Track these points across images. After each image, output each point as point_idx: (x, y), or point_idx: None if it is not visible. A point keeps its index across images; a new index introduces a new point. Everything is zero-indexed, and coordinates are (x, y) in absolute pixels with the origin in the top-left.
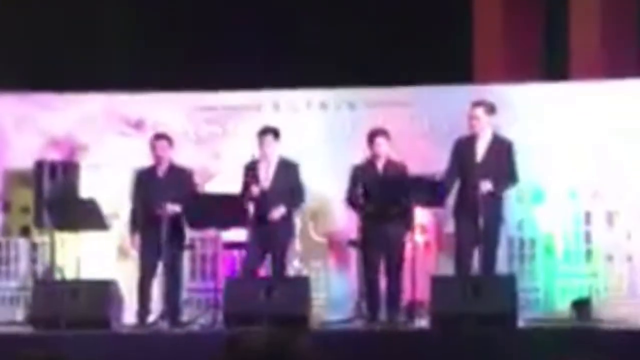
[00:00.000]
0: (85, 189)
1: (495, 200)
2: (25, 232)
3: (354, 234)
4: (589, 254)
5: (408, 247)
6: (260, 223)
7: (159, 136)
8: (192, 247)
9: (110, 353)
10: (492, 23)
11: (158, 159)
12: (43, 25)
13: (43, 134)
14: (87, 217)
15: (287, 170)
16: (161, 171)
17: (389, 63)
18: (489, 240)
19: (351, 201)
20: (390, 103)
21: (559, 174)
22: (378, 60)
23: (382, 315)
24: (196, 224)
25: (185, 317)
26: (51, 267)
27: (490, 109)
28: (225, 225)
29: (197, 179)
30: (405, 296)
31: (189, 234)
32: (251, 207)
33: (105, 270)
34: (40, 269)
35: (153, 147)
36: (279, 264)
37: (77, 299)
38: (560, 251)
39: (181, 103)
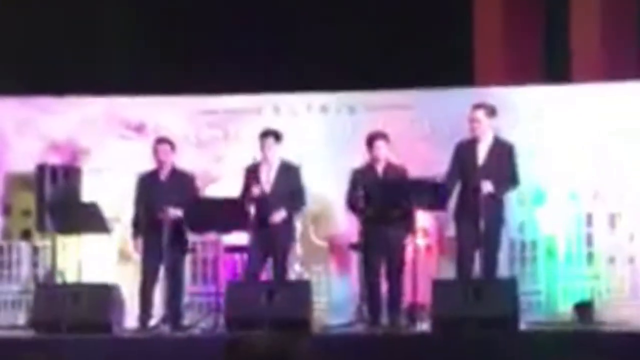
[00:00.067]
0: (87, 193)
1: (496, 202)
2: (26, 235)
3: (355, 238)
4: (590, 256)
5: (409, 250)
6: (261, 226)
7: (161, 140)
8: (193, 250)
9: (111, 357)
10: (492, 25)
11: (160, 163)
12: (43, 26)
13: (44, 137)
14: (89, 220)
15: (289, 173)
16: (164, 175)
17: (389, 66)
18: (490, 243)
19: (351, 205)
20: (391, 106)
21: (560, 176)
22: (378, 63)
23: (384, 319)
24: (197, 228)
25: (186, 321)
26: (52, 271)
27: (491, 111)
28: (226, 229)
29: (199, 182)
30: (407, 299)
31: (190, 237)
32: (252, 211)
33: (106, 274)
34: (41, 272)
35: (155, 151)
36: (280, 267)
37: (78, 302)
38: (561, 253)
39: (182, 106)
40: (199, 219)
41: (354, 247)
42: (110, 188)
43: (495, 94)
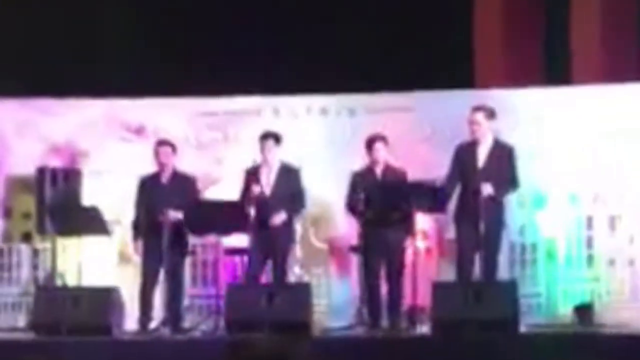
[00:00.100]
0: (87, 196)
1: (496, 205)
2: (26, 238)
3: (354, 240)
4: (590, 258)
5: (409, 252)
6: (261, 229)
7: (163, 142)
8: (193, 253)
9: None
10: (492, 27)
11: (161, 166)
12: (43, 26)
13: (44, 140)
14: (89, 223)
15: (289, 175)
16: (165, 178)
17: (389, 67)
18: (490, 245)
19: (351, 207)
20: (391, 108)
21: (560, 178)
22: (378, 64)
23: (384, 321)
24: (197, 230)
25: (186, 323)
26: (52, 273)
27: (490, 113)
28: (227, 231)
29: (199, 184)
30: (407, 302)
31: (190, 240)
32: (252, 213)
33: (106, 276)
34: (41, 275)
35: (156, 154)
36: (280, 270)
37: (78, 305)
38: (562, 256)
39: (182, 108)
40: (199, 221)
41: (353, 249)
42: (111, 190)
43: (495, 96)
